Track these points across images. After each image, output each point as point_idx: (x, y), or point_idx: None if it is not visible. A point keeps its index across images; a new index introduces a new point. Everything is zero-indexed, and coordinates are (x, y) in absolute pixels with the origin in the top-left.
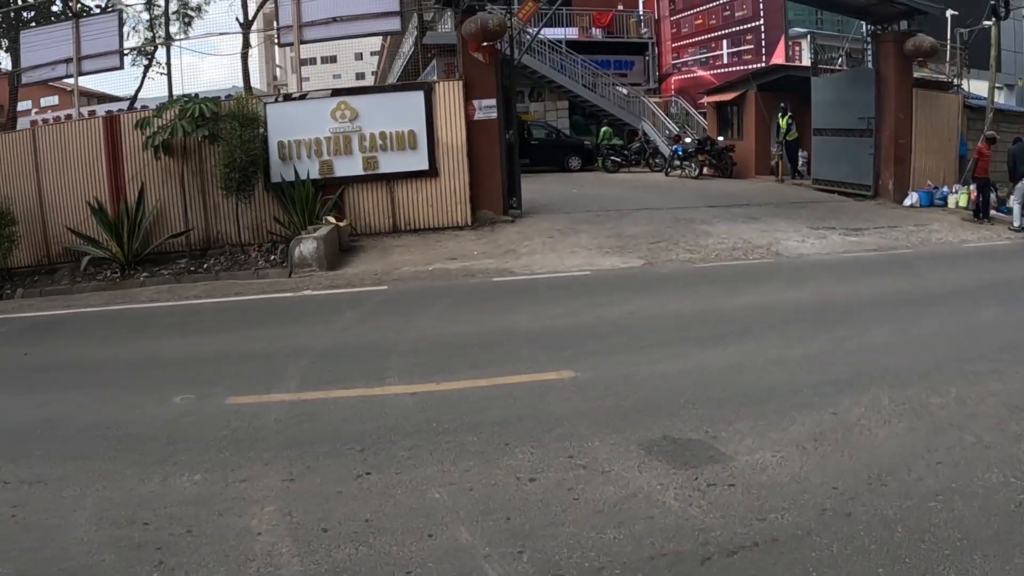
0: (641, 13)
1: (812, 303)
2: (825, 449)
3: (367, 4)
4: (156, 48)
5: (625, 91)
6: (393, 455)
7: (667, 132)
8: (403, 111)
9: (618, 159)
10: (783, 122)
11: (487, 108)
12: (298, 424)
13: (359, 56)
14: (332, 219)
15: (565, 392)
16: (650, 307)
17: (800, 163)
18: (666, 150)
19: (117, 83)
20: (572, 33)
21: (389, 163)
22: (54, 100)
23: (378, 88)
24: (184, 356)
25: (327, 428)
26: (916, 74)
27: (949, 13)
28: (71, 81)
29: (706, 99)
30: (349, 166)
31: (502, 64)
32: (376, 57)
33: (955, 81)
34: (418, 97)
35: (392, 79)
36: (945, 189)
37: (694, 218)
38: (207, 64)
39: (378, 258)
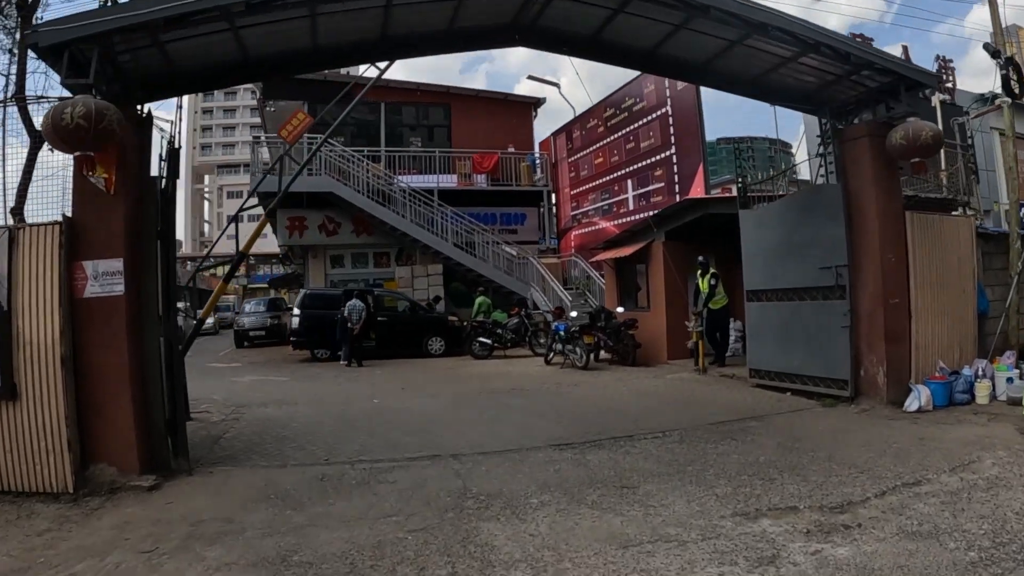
0: (536, 156)
1: None
2: None
3: None
4: None
5: (513, 251)
6: None
7: (559, 302)
8: None
9: (488, 341)
10: (704, 283)
11: (109, 277)
12: None
13: None
14: None
15: None
16: None
17: (733, 339)
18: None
19: None
20: (449, 181)
21: None
22: None
23: None
24: None
25: None
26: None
27: (938, 98)
28: None
29: (600, 256)
30: None
31: (160, 198)
32: None
33: (961, 197)
34: None
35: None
36: (968, 372)
37: (501, 490)
38: None
39: None
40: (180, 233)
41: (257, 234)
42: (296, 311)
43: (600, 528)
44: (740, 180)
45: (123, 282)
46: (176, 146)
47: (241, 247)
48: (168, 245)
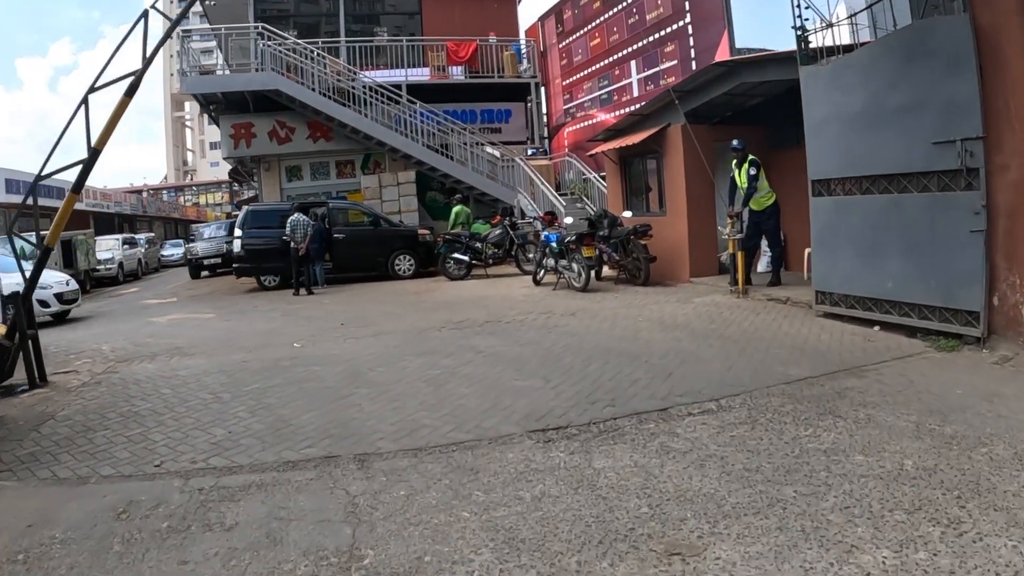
0: (522, 44)
1: None
2: None
3: None
4: None
5: (496, 152)
6: None
7: (550, 207)
8: None
9: (464, 258)
10: (740, 175)
11: None
12: None
13: None
14: None
15: None
16: None
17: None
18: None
19: None
20: (420, 74)
21: None
22: None
23: None
24: None
25: None
26: None
27: None
28: None
29: (601, 147)
30: None
31: None
32: None
33: None
34: None
35: None
36: None
37: (419, 562)
38: None
39: None
40: (162, 164)
41: (113, 124)
42: (238, 232)
43: None
44: (800, 25)
45: None
46: None
47: (94, 142)
48: None
